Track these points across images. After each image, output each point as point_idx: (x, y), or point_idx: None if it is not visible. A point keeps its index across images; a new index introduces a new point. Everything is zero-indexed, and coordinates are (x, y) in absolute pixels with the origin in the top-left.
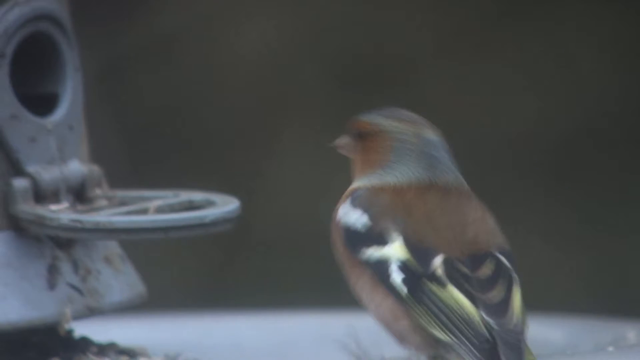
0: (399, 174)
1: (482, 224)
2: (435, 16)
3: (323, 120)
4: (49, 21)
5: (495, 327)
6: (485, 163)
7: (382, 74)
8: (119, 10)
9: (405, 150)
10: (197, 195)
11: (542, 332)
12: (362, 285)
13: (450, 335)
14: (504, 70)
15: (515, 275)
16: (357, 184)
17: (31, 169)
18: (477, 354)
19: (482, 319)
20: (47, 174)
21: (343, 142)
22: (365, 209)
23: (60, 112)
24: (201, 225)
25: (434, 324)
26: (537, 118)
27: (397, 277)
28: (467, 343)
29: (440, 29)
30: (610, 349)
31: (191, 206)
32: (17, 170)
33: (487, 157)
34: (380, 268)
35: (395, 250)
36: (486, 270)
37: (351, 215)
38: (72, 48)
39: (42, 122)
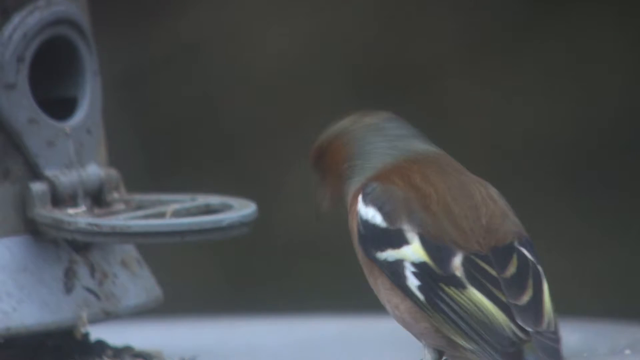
0: (374, 160)
1: (492, 204)
2: (456, 22)
3: None
4: (69, 25)
5: (529, 329)
6: (505, 168)
7: (402, 80)
8: (140, 16)
9: (359, 140)
10: (214, 199)
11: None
12: (380, 287)
13: (471, 342)
14: (524, 77)
15: (540, 268)
16: (352, 187)
17: (49, 172)
18: (499, 359)
19: (509, 320)
20: (65, 178)
21: (318, 200)
22: (379, 207)
23: (78, 116)
24: (218, 229)
25: (453, 330)
26: (555, 124)
27: (413, 282)
28: (489, 349)
29: (461, 35)
30: (627, 352)
31: (208, 210)
32: (35, 174)
33: (505, 162)
34: (396, 271)
35: (412, 252)
36: (512, 268)
37: (364, 214)
38: (91, 52)
39: (61, 126)
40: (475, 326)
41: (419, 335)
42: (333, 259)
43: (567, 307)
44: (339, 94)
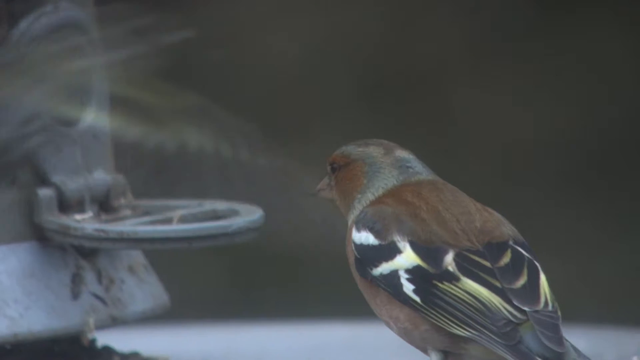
0: (378, 185)
1: (486, 214)
2: (459, 25)
3: (348, 129)
4: (75, 30)
5: (527, 309)
6: (507, 170)
7: (405, 83)
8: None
9: (376, 168)
10: (221, 205)
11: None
12: (380, 305)
13: (469, 329)
14: (527, 80)
15: (537, 263)
16: (351, 215)
17: (56, 178)
18: (497, 339)
19: (504, 302)
20: (72, 184)
21: (321, 185)
22: (370, 227)
23: (85, 122)
24: (225, 234)
25: (451, 323)
26: (563, 128)
27: (408, 287)
28: (486, 331)
29: (464, 38)
30: (635, 358)
31: (215, 216)
32: (42, 179)
33: (508, 164)
34: (391, 282)
35: (405, 259)
36: (505, 259)
37: (357, 240)
38: (98, 57)
39: (68, 132)
40: (472, 313)
41: (422, 342)
42: (341, 265)
43: (573, 313)
44: (341, 96)
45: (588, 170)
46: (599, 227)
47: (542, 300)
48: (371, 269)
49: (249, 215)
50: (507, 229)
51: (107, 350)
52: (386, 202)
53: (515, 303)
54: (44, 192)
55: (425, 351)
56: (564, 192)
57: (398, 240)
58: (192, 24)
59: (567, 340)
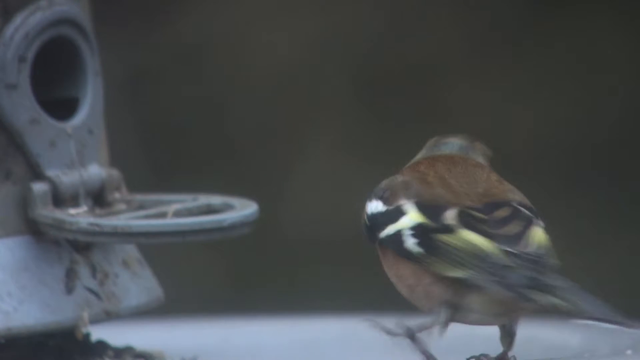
0: (408, 163)
1: (496, 183)
2: (457, 23)
3: (347, 127)
4: (71, 26)
5: (513, 251)
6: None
7: (403, 81)
8: (142, 17)
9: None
10: (216, 199)
11: (560, 336)
12: (388, 265)
13: (467, 270)
14: (525, 78)
15: (538, 220)
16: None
17: (51, 173)
18: (492, 277)
19: (495, 246)
20: (67, 178)
21: None
22: (380, 196)
23: (80, 117)
24: (219, 229)
25: (450, 266)
26: (563, 127)
27: (411, 242)
28: (482, 273)
29: (462, 36)
30: (629, 352)
31: (210, 210)
32: (37, 174)
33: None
34: (397, 240)
35: (409, 219)
36: (502, 213)
37: (369, 209)
38: (93, 53)
39: (62, 126)
40: (469, 258)
41: (426, 298)
42: (335, 260)
43: None
44: (340, 95)
45: (588, 170)
46: (594, 223)
47: (532, 245)
48: (379, 234)
49: (243, 209)
50: (514, 195)
51: (101, 345)
52: (401, 173)
53: (504, 247)
54: (38, 187)
55: (427, 308)
56: (563, 191)
57: (404, 203)
58: (192, 24)
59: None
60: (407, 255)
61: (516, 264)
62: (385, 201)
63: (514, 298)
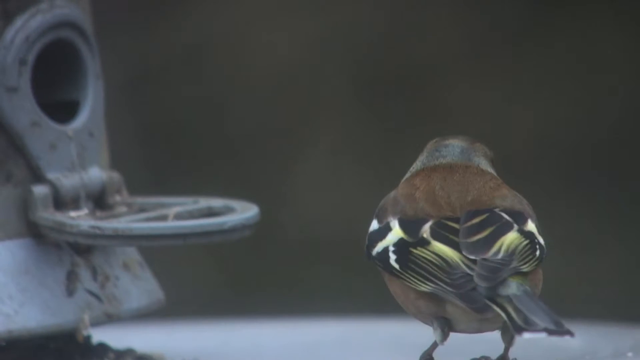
0: (409, 170)
1: (489, 190)
2: (457, 23)
3: (347, 127)
4: (71, 28)
5: (477, 259)
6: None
7: (404, 82)
8: (142, 18)
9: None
10: (217, 202)
11: (561, 338)
12: (386, 282)
13: (429, 284)
14: (525, 78)
15: (522, 225)
16: None
17: (51, 175)
18: (451, 290)
19: (459, 254)
20: (67, 181)
21: None
22: (375, 215)
23: (80, 119)
24: (220, 231)
25: (417, 281)
26: (563, 127)
27: (392, 258)
28: (442, 284)
29: (462, 36)
30: (630, 355)
31: (210, 213)
32: (38, 176)
33: (506, 163)
34: (383, 258)
35: (393, 235)
36: (477, 220)
37: (370, 228)
38: (94, 55)
39: (63, 129)
40: (434, 271)
41: (417, 312)
42: (335, 262)
43: (569, 309)
44: (340, 95)
45: (588, 170)
46: (594, 223)
47: (493, 250)
48: (372, 251)
49: (244, 212)
50: (502, 202)
51: (102, 347)
52: (397, 187)
53: (465, 254)
54: (39, 189)
55: (424, 321)
56: (563, 191)
57: (390, 220)
58: (192, 24)
59: (516, 283)
60: (391, 271)
61: (476, 273)
62: (379, 219)
63: (472, 309)
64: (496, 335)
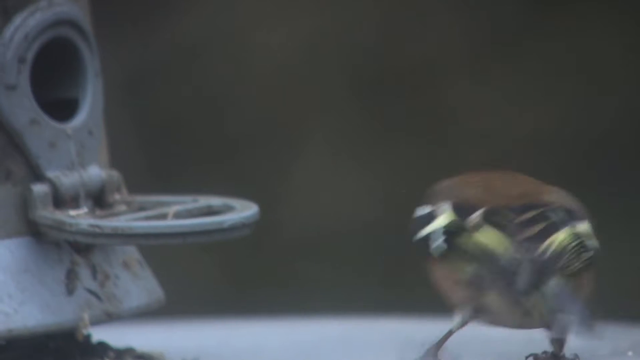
0: None
1: (547, 189)
2: (457, 21)
3: (346, 126)
4: (70, 26)
5: (526, 253)
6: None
7: (403, 80)
8: (141, 17)
9: None
10: (216, 201)
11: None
12: (429, 269)
13: (475, 269)
14: (525, 77)
15: (574, 222)
16: None
17: (51, 174)
18: (494, 276)
19: (511, 248)
20: (67, 179)
21: None
22: (427, 200)
23: (80, 118)
24: (220, 230)
25: (463, 266)
26: (563, 127)
27: (438, 240)
28: (487, 271)
29: (462, 35)
30: (630, 354)
31: (210, 211)
32: (37, 175)
33: (506, 162)
34: (431, 240)
35: (443, 219)
36: (531, 214)
37: (417, 214)
38: (93, 54)
39: (62, 127)
40: (479, 256)
41: (451, 297)
42: (335, 261)
43: None
44: (339, 94)
45: (588, 170)
46: (599, 226)
47: (544, 247)
48: (419, 234)
49: (244, 210)
50: (551, 198)
51: (102, 346)
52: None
53: (515, 245)
54: (38, 188)
55: (455, 306)
56: (562, 187)
57: (442, 204)
58: (192, 24)
59: (558, 285)
60: (438, 254)
61: (522, 267)
62: (431, 204)
63: (510, 300)
64: (503, 335)
